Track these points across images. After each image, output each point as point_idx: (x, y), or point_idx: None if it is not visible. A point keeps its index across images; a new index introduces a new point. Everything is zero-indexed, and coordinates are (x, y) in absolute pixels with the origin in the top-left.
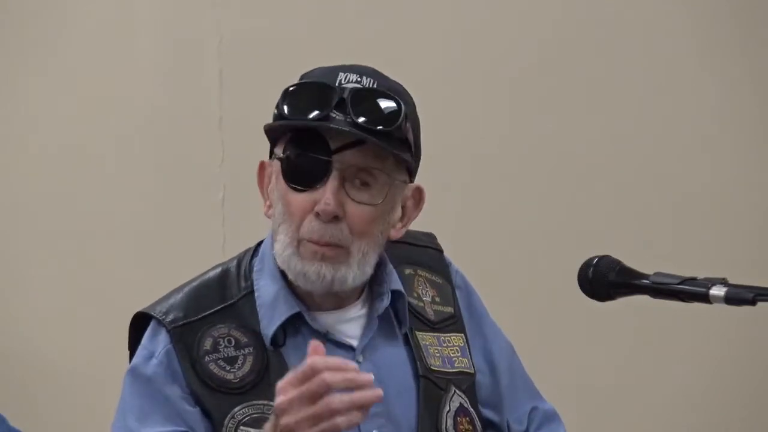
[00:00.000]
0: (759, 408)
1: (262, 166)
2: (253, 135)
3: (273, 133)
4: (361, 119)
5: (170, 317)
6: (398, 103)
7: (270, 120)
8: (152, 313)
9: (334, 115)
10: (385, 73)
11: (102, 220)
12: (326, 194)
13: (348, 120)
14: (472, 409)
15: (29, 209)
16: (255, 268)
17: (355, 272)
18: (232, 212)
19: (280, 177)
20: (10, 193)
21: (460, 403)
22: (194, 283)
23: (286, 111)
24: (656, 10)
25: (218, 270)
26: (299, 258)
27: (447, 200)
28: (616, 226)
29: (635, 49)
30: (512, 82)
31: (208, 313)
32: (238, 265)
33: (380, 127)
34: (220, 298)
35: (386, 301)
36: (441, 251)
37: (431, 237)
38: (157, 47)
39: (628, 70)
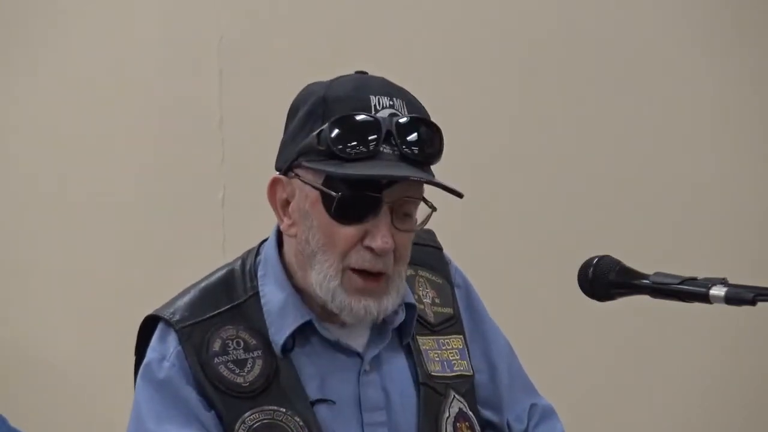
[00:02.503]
0: (759, 408)
1: (275, 182)
2: (253, 135)
3: (315, 171)
4: (412, 151)
5: (177, 317)
6: (439, 131)
7: (269, 121)
8: (160, 315)
9: (383, 149)
10: (388, 74)
11: (102, 219)
12: (382, 230)
13: (396, 153)
14: (471, 413)
15: (29, 209)
16: (259, 273)
17: (394, 299)
18: (232, 212)
19: (319, 207)
20: (9, 194)
21: (460, 408)
22: (200, 285)
23: (337, 152)
24: (657, 10)
25: (223, 271)
26: (345, 292)
27: (447, 199)
28: (616, 226)
29: (635, 49)
30: (513, 83)
31: (215, 313)
32: (243, 265)
33: (430, 159)
34: (227, 299)
35: (402, 315)
36: (441, 249)
37: (431, 234)
38: (157, 47)
39: (628, 70)
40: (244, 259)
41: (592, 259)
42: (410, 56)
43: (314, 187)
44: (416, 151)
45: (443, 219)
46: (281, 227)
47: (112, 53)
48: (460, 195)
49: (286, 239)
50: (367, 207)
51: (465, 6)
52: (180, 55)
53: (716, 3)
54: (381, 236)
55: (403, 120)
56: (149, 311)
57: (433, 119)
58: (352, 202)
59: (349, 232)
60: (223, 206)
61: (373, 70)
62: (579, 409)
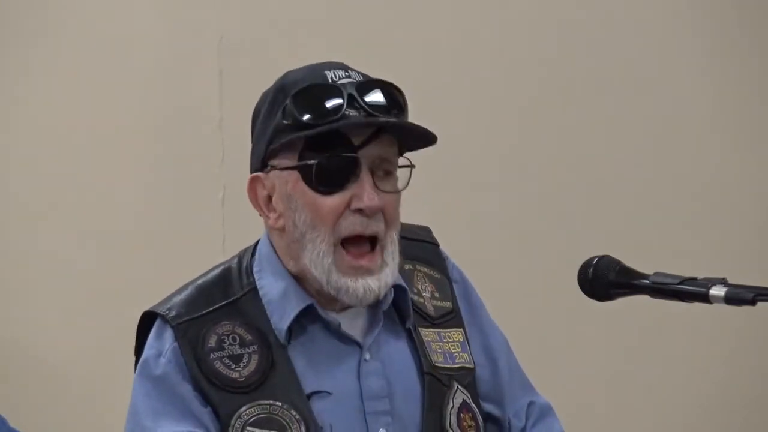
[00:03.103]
0: (759, 408)
1: (253, 180)
2: None
3: (284, 143)
4: (377, 109)
5: (173, 313)
6: (399, 88)
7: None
8: (156, 311)
9: (348, 113)
10: (389, 74)
11: (102, 220)
12: (367, 189)
13: (362, 114)
14: (473, 405)
15: (29, 209)
16: (255, 269)
17: (392, 268)
18: (232, 212)
19: (300, 185)
20: (10, 194)
21: (463, 399)
22: (197, 281)
23: (304, 118)
24: (658, 11)
25: (220, 269)
26: (339, 272)
27: (447, 199)
28: (616, 226)
29: (635, 51)
30: (515, 85)
31: (211, 309)
32: (239, 263)
33: (396, 112)
34: (223, 295)
35: (390, 297)
36: (437, 245)
37: (427, 231)
38: (157, 47)
39: (628, 71)
40: (240, 257)
41: (592, 259)
42: (411, 57)
43: (291, 168)
44: (381, 109)
45: (444, 219)
46: (268, 224)
47: (112, 53)
48: (433, 138)
49: (275, 237)
50: (346, 170)
51: (468, 8)
52: (180, 55)
53: (719, 4)
54: (366, 195)
55: (362, 83)
56: None
57: (440, 122)
58: (329, 168)
59: (333, 201)
60: (223, 206)
61: (374, 71)
62: (578, 409)
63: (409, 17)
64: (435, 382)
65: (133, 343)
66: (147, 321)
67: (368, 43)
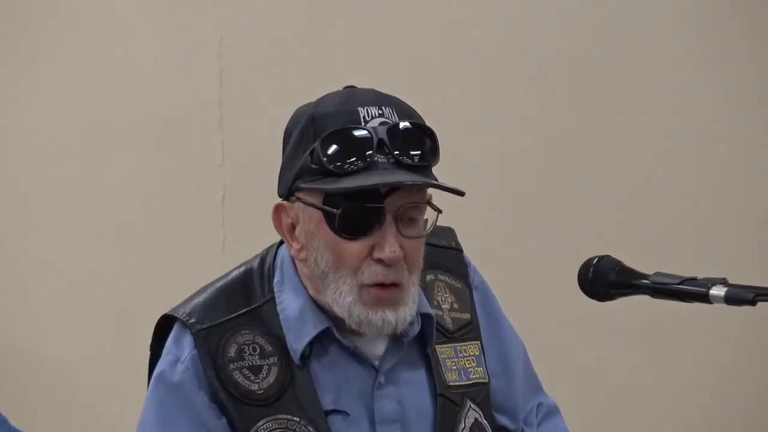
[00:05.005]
0: (759, 408)
1: (278, 208)
2: (253, 135)
3: (312, 189)
4: (407, 159)
5: (194, 319)
6: (432, 133)
7: (269, 121)
8: (176, 315)
9: (377, 159)
10: (391, 76)
11: (102, 220)
12: (389, 240)
13: (391, 161)
14: (485, 422)
15: (30, 209)
16: (275, 279)
17: (411, 308)
18: (232, 212)
19: (323, 226)
20: (9, 195)
21: (475, 419)
22: (218, 284)
23: (332, 168)
24: (659, 13)
25: (241, 270)
26: (362, 305)
27: (446, 200)
28: (616, 226)
29: (635, 53)
30: (514, 83)
31: (232, 316)
32: (261, 265)
33: (426, 162)
34: (244, 301)
35: (417, 327)
36: (461, 251)
37: (451, 234)
38: (157, 47)
39: (627, 72)
40: (263, 257)
41: (592, 259)
42: (412, 57)
43: (315, 207)
44: (411, 156)
45: (443, 220)
46: (291, 253)
47: (112, 53)
48: (461, 193)
49: (298, 263)
50: (370, 219)
51: (473, 9)
52: (180, 55)
53: (721, 5)
54: (388, 246)
55: (393, 127)
56: (149, 311)
57: (439, 122)
58: (354, 217)
59: (356, 247)
60: (223, 206)
61: (374, 72)
62: (578, 409)
63: (410, 18)
64: (447, 404)
65: (134, 342)
66: (165, 324)
67: (369, 44)
